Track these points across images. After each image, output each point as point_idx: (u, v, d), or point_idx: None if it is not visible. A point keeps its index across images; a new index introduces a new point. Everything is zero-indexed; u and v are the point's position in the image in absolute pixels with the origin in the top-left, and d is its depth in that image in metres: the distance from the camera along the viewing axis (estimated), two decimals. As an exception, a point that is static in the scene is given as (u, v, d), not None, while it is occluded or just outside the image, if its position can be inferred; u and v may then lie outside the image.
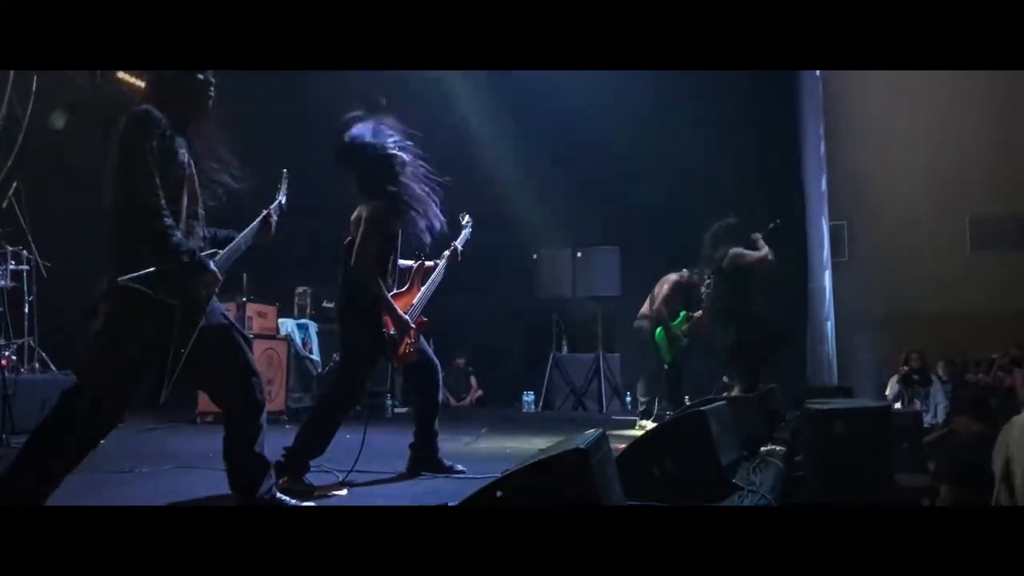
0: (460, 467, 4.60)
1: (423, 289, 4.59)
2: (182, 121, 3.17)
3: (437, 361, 4.63)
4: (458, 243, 4.83)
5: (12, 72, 8.26)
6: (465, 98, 9.64)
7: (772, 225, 6.52)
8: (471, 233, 4.94)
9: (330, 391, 4.47)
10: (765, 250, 6.37)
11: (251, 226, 3.43)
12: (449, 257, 4.77)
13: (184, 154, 3.12)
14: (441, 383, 4.70)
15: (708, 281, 6.55)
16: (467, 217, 5.00)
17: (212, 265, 3.12)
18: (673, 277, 8.30)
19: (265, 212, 3.48)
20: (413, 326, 4.38)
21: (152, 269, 2.94)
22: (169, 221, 2.97)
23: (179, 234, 3.01)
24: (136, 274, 2.92)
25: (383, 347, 4.29)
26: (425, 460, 4.55)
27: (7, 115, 8.17)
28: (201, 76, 3.22)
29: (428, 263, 4.69)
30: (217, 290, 3.18)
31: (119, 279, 2.92)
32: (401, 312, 4.32)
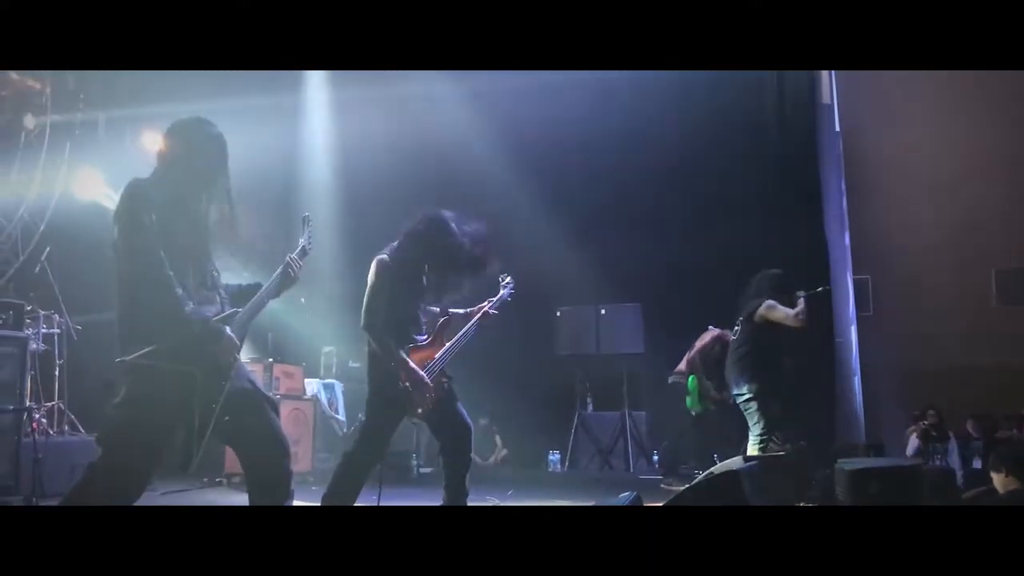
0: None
1: (448, 344, 4.43)
2: (196, 178, 3.14)
3: (471, 423, 4.48)
4: (491, 307, 4.68)
5: (48, 136, 8.49)
6: (487, 152, 9.68)
7: (820, 289, 6.34)
8: (509, 295, 4.79)
9: (352, 449, 4.37)
10: (800, 308, 6.03)
11: (273, 277, 3.38)
12: (480, 319, 4.61)
13: (186, 223, 3.09)
14: (472, 445, 4.52)
15: (736, 328, 6.41)
16: (508, 278, 4.82)
17: (228, 330, 3.09)
18: (715, 331, 8.28)
19: (288, 259, 3.42)
20: (428, 382, 4.23)
21: (155, 347, 2.91)
22: (178, 292, 2.95)
23: (190, 304, 2.99)
24: (143, 351, 2.91)
25: (402, 403, 4.21)
26: (453, 522, 4.45)
27: (42, 179, 8.36)
28: (213, 130, 3.18)
29: (458, 311, 4.59)
30: (238, 354, 3.15)
31: (125, 358, 2.93)
32: (414, 366, 4.20)
